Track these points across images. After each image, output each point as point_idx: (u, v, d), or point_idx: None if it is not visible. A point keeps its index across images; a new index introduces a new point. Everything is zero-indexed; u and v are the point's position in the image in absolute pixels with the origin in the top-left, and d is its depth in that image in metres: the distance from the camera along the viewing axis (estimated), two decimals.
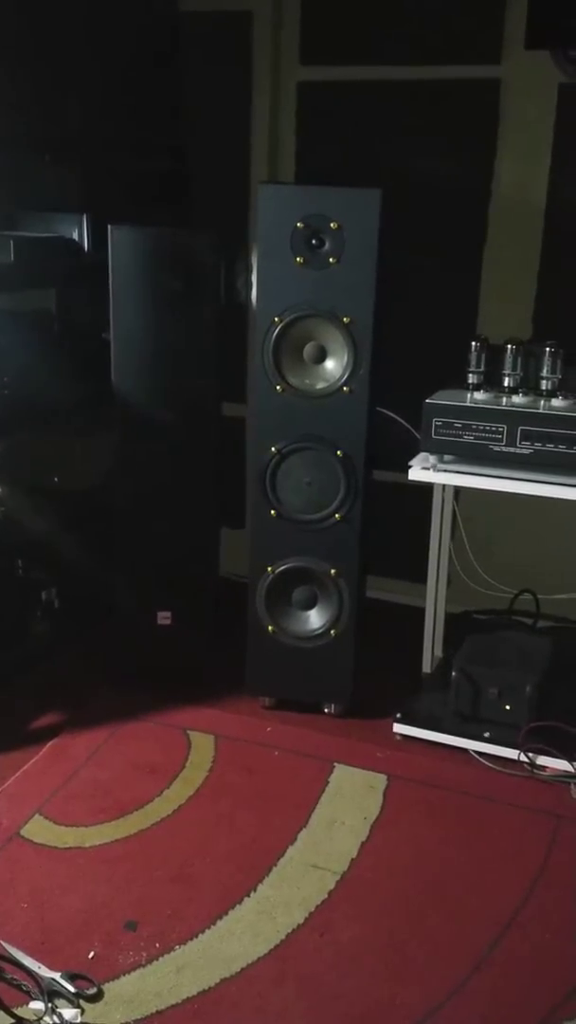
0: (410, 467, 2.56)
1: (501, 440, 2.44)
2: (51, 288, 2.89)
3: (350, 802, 2.44)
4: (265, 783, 2.52)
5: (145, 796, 2.44)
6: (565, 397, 2.47)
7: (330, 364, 2.60)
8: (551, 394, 2.49)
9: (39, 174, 2.90)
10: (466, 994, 1.88)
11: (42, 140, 2.89)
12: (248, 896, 2.12)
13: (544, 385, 2.51)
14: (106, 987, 1.87)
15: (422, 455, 2.56)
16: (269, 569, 2.73)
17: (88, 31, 2.98)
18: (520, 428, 2.42)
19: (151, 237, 2.67)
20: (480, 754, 2.61)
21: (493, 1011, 1.84)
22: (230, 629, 2.90)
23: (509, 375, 2.54)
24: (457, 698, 2.66)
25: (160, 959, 1.94)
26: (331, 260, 2.50)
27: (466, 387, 2.57)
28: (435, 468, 2.53)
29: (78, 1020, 1.80)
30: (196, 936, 2.01)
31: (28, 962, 1.90)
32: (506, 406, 2.47)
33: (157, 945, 1.98)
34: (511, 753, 2.57)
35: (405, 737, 2.69)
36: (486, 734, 2.61)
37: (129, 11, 3.17)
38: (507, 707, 2.61)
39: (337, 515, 2.66)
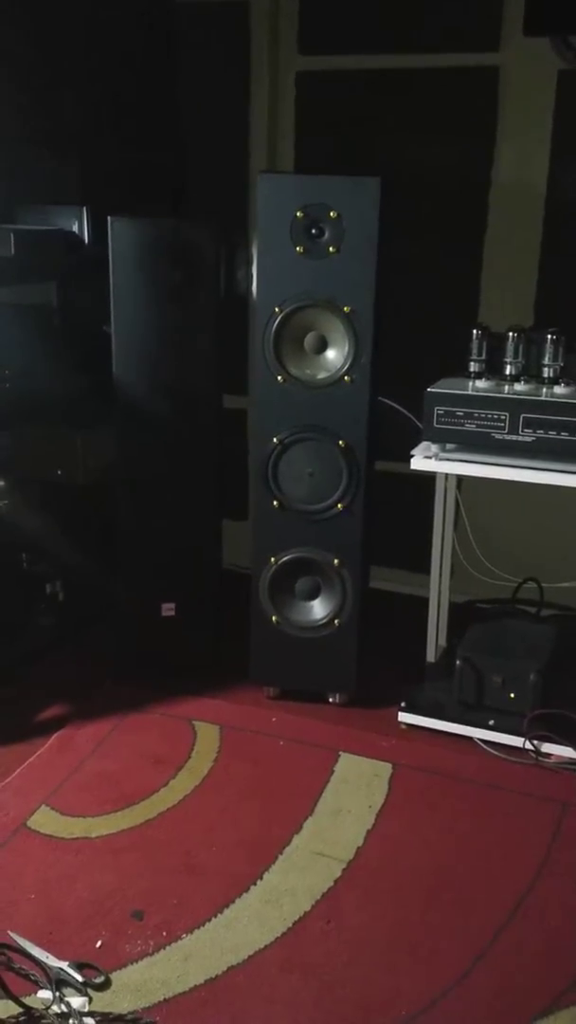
0: (412, 456, 2.56)
1: (503, 428, 2.44)
2: (51, 281, 2.89)
3: (355, 791, 2.45)
4: (270, 773, 2.52)
5: (151, 786, 2.45)
6: (567, 384, 2.47)
7: (331, 354, 2.60)
8: (553, 381, 2.49)
9: (38, 167, 2.90)
10: (472, 981, 1.88)
11: (41, 133, 2.89)
12: (254, 885, 2.13)
13: (546, 372, 2.50)
14: (113, 976, 1.88)
15: (424, 444, 2.56)
16: (272, 560, 2.74)
17: (85, 23, 2.98)
18: (522, 416, 2.41)
19: (151, 229, 2.67)
20: (485, 742, 2.61)
21: (498, 998, 1.85)
22: (234, 620, 2.90)
23: (511, 363, 2.53)
24: (461, 687, 2.66)
25: (167, 948, 1.95)
26: (331, 249, 2.50)
27: (468, 375, 2.57)
28: (437, 457, 2.53)
29: (86, 1009, 1.80)
30: (203, 925, 2.01)
31: (36, 952, 1.91)
32: (508, 394, 2.46)
33: (164, 934, 1.99)
34: (516, 741, 2.57)
35: (410, 726, 2.70)
36: (491, 722, 2.61)
37: (125, 2, 3.16)
38: (511, 695, 2.61)
39: (339, 505, 2.66)
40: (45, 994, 1.82)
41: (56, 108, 2.95)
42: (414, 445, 2.59)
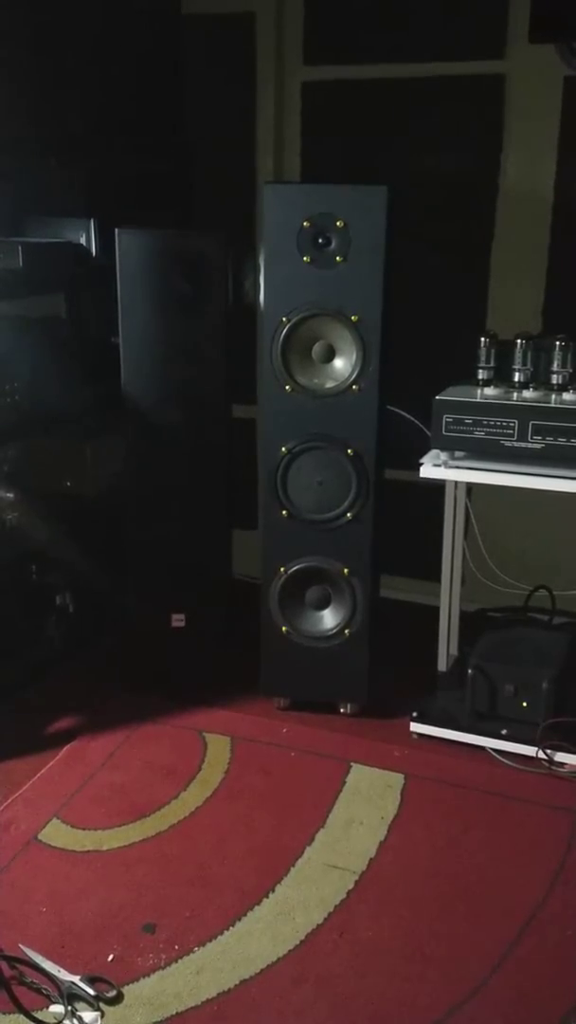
0: (421, 465, 2.55)
1: (512, 435, 2.43)
2: (60, 293, 2.90)
3: (367, 802, 2.43)
4: (282, 784, 2.51)
5: (162, 798, 2.44)
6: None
7: (339, 363, 2.60)
8: (562, 388, 2.48)
9: (46, 179, 2.91)
10: (487, 992, 1.87)
11: (48, 144, 2.90)
12: (266, 897, 2.12)
13: (555, 379, 2.49)
14: (126, 989, 1.87)
15: (433, 452, 2.56)
16: (282, 569, 2.73)
17: (91, 34, 3.00)
18: (531, 423, 2.41)
19: (158, 240, 2.68)
20: (498, 752, 2.59)
21: (514, 1009, 1.83)
22: (244, 631, 2.90)
23: (519, 370, 2.53)
24: (473, 696, 2.65)
25: (179, 961, 1.94)
26: (338, 259, 2.50)
27: (476, 383, 2.56)
28: (446, 465, 2.52)
29: (98, 1023, 1.80)
30: (215, 938, 2.00)
31: (48, 966, 1.90)
32: (517, 401, 2.46)
33: (176, 947, 1.98)
34: (529, 750, 2.56)
35: (422, 736, 2.68)
36: (503, 732, 2.60)
37: (132, 14, 3.18)
38: (524, 704, 2.60)
39: (349, 514, 2.65)
40: (57, 1008, 1.82)
41: (64, 119, 2.96)
42: (423, 453, 2.58)
